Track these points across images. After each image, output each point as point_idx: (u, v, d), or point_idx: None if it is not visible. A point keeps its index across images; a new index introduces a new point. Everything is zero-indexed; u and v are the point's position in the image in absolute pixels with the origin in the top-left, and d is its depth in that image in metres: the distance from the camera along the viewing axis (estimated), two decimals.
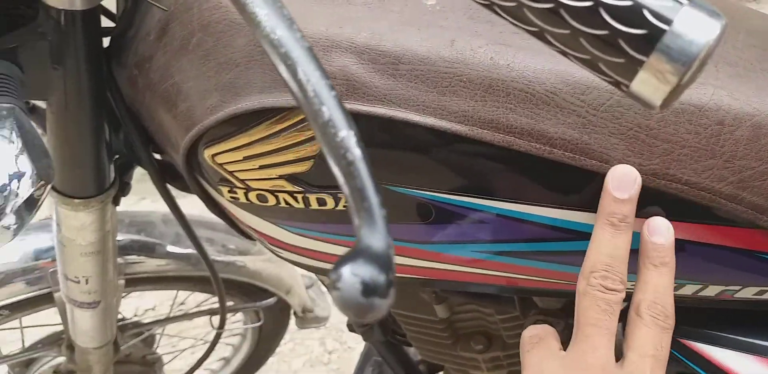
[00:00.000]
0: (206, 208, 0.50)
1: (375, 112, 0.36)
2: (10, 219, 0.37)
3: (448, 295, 0.52)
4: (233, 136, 0.39)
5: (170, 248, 0.73)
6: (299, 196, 0.40)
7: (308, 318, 0.93)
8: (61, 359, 0.78)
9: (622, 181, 0.34)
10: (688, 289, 0.40)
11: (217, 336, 0.80)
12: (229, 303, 0.88)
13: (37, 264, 0.67)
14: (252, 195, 0.41)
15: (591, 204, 0.36)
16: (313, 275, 1.29)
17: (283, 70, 0.20)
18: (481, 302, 0.52)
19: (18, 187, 0.37)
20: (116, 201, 0.56)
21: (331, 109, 0.19)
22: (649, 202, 0.35)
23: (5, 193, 0.37)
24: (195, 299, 0.95)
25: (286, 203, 0.40)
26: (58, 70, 0.46)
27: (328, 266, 0.46)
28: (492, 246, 0.39)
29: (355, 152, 0.18)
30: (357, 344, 1.25)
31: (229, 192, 0.41)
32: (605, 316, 0.34)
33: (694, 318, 0.43)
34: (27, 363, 0.80)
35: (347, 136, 0.19)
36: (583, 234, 0.37)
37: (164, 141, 0.46)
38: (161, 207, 0.59)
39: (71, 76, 0.46)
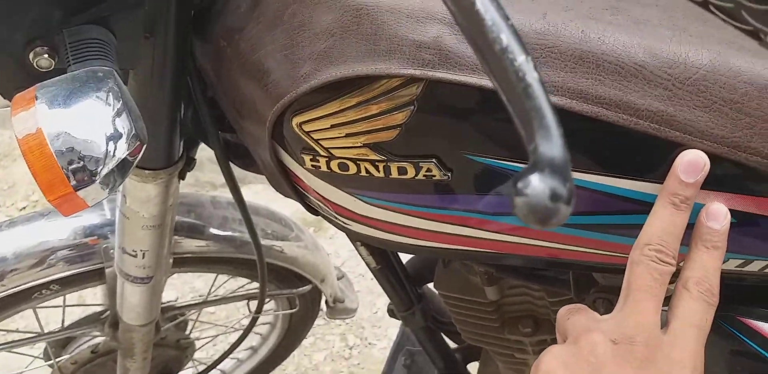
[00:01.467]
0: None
1: (466, 81, 0.37)
2: (104, 180, 0.38)
3: (503, 275, 0.53)
4: (323, 103, 0.40)
5: (216, 230, 0.74)
6: (381, 165, 0.41)
7: (338, 309, 0.94)
8: (99, 340, 0.79)
9: (692, 166, 0.35)
10: (734, 264, 0.41)
11: (253, 321, 0.81)
12: None
13: (87, 241, 0.69)
14: (334, 164, 0.42)
15: (665, 176, 0.37)
16: (342, 267, 1.29)
17: (463, 4, 0.21)
18: (533, 283, 0.53)
19: (115, 149, 0.38)
20: (182, 176, 0.58)
21: (508, 36, 0.20)
22: (727, 174, 0.37)
23: (101, 154, 0.38)
24: (225, 288, 0.96)
25: (367, 172, 0.42)
26: (149, 39, 0.47)
27: (397, 238, 0.47)
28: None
29: (534, 74, 0.20)
30: (378, 340, 1.26)
31: (311, 160, 0.43)
32: (656, 284, 0.35)
33: (752, 297, 0.45)
34: (64, 343, 0.81)
35: (526, 60, 0.20)
36: None
37: (244, 114, 0.48)
38: None
39: (160, 45, 0.48)
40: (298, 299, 0.88)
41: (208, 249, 0.74)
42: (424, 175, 0.40)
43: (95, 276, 0.68)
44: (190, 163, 0.58)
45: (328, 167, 0.43)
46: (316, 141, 0.42)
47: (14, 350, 0.77)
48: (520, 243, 0.43)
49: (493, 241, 0.44)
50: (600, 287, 0.48)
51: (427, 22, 0.38)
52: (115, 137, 0.38)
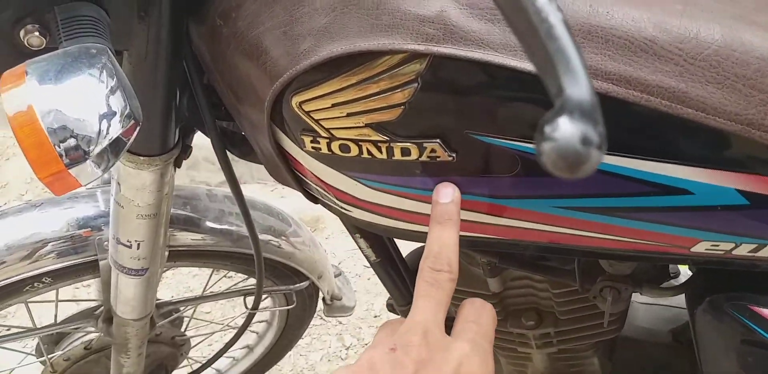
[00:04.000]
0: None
1: (471, 57, 0.36)
2: (96, 159, 0.37)
3: (506, 266, 0.52)
4: (324, 81, 0.39)
5: (213, 223, 0.73)
6: (383, 146, 0.40)
7: (335, 307, 0.93)
8: (92, 336, 0.78)
9: (444, 190, 0.40)
10: (746, 249, 0.40)
11: (250, 318, 0.80)
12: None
13: (80, 232, 0.67)
14: (335, 145, 0.41)
15: (680, 155, 0.36)
16: (339, 265, 1.27)
17: None
18: (537, 274, 0.52)
19: (108, 127, 0.37)
20: (178, 163, 0.56)
21: None
22: (740, 153, 0.36)
23: (94, 133, 0.37)
24: (220, 287, 0.95)
25: (369, 153, 0.41)
26: (143, 18, 0.46)
27: (399, 225, 0.46)
28: (574, 202, 0.39)
29: (558, 14, 0.19)
30: None
31: (312, 142, 0.42)
32: (432, 288, 0.37)
33: (765, 284, 0.43)
34: (57, 340, 0.79)
35: (548, 1, 0.19)
36: (672, 189, 0.37)
37: (241, 96, 0.47)
38: None
39: (154, 25, 0.47)
40: (296, 295, 0.86)
41: (204, 243, 0.73)
42: (428, 156, 0.39)
43: (89, 269, 0.67)
44: (186, 151, 0.56)
45: (329, 149, 0.41)
46: (317, 121, 0.41)
47: (5, 346, 0.76)
48: (527, 228, 0.42)
49: (498, 226, 0.42)
50: (607, 275, 0.47)
51: None
52: (108, 115, 0.37)
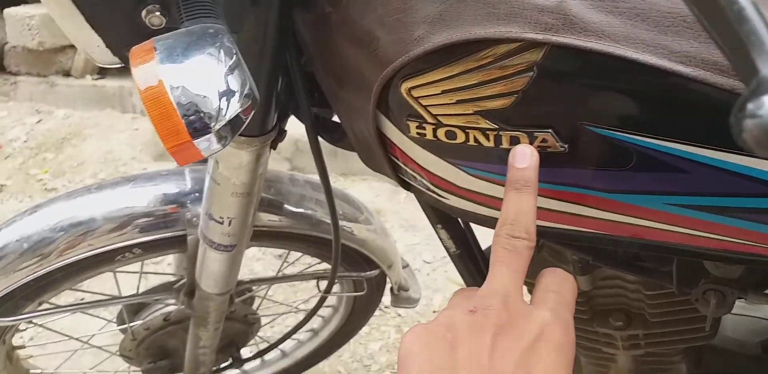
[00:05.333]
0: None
1: (590, 47, 0.35)
2: (218, 135, 0.38)
3: (599, 264, 0.51)
4: (435, 68, 0.39)
5: (293, 207, 0.75)
6: (491, 134, 0.40)
7: (402, 297, 0.93)
8: (171, 308, 0.81)
9: (521, 155, 0.38)
10: None
11: (321, 301, 0.81)
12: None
13: (169, 208, 0.70)
14: (440, 132, 0.41)
15: None
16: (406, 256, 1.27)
17: None
18: (632, 274, 0.51)
19: (228, 105, 0.38)
20: (273, 146, 0.58)
21: None
22: None
23: (215, 110, 0.38)
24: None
25: (475, 141, 0.40)
26: (255, 3, 0.48)
27: (498, 213, 0.45)
28: (688, 199, 0.38)
29: None
30: None
31: (417, 128, 0.42)
32: (509, 254, 0.36)
33: None
34: (137, 309, 0.83)
35: None
36: None
37: (345, 83, 0.47)
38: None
39: (264, 10, 0.48)
40: (366, 283, 0.87)
41: (284, 225, 0.74)
42: (539, 146, 0.39)
43: (176, 244, 0.69)
44: (281, 134, 0.58)
45: (434, 135, 0.42)
46: (425, 107, 0.41)
47: (90, 311, 0.80)
48: (634, 224, 0.41)
49: (603, 221, 0.42)
50: (711, 278, 0.45)
51: None
52: (228, 94, 0.38)
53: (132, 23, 0.46)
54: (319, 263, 0.88)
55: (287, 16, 0.50)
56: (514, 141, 0.39)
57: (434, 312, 1.31)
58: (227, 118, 0.38)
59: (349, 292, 0.90)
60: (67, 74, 2.57)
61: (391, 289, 0.92)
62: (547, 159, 0.39)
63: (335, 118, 0.61)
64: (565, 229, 0.43)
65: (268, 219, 0.73)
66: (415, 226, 1.63)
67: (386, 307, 1.32)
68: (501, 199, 0.43)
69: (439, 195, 0.47)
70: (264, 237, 0.75)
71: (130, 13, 0.45)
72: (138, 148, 2.13)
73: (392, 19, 0.41)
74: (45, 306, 0.72)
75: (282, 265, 0.87)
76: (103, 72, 2.56)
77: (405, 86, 0.41)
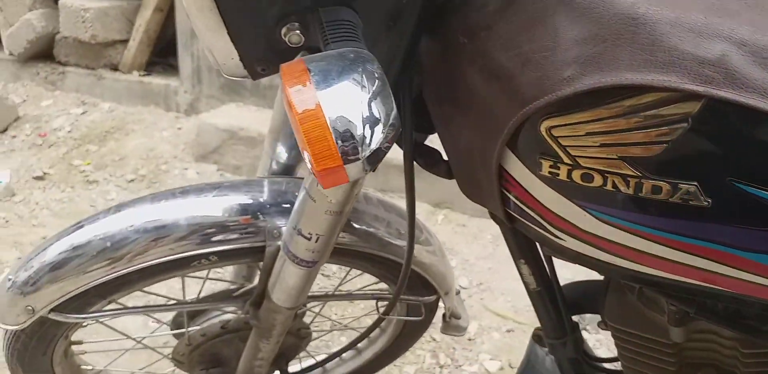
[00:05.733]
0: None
1: (752, 105, 0.35)
2: (364, 163, 0.38)
3: (701, 317, 0.50)
4: (583, 110, 0.39)
5: (366, 226, 0.74)
6: (632, 181, 0.39)
7: (452, 325, 0.92)
8: (229, 316, 0.81)
9: None
10: None
11: (378, 322, 0.81)
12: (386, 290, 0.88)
13: (247, 218, 0.70)
14: (576, 174, 0.41)
15: None
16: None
17: None
18: (734, 331, 0.50)
19: (374, 133, 0.38)
20: (374, 168, 0.58)
21: None
22: None
23: (365, 138, 0.38)
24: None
25: (613, 186, 0.40)
26: (390, 28, 0.48)
27: (621, 262, 0.45)
28: None
29: None
30: (469, 364, 1.23)
31: (551, 167, 0.42)
32: None
33: None
34: (193, 315, 0.83)
35: None
36: None
37: (469, 112, 0.47)
38: None
39: (397, 35, 0.48)
40: (423, 308, 0.86)
41: (355, 243, 0.74)
42: (681, 198, 0.38)
43: (252, 253, 0.69)
44: (380, 156, 0.58)
45: (569, 176, 0.41)
46: (564, 147, 0.41)
47: (152, 314, 0.80)
48: (762, 284, 0.40)
49: (729, 278, 0.41)
50: None
51: (711, 38, 0.36)
52: (376, 120, 0.39)
53: (270, 39, 0.47)
54: (376, 283, 0.88)
55: (416, 41, 0.50)
56: (656, 190, 0.39)
57: (469, 340, 1.30)
58: (376, 143, 0.38)
59: (401, 315, 0.90)
60: (114, 68, 2.61)
61: (444, 316, 0.91)
62: (688, 212, 0.39)
63: (426, 141, 0.62)
64: (690, 283, 0.43)
65: (340, 236, 0.72)
66: (452, 249, 1.62)
67: None
68: (626, 246, 0.43)
69: (554, 236, 0.46)
70: (332, 253, 0.75)
71: (271, 29, 0.46)
72: (180, 147, 2.15)
73: (539, 56, 0.41)
74: (112, 305, 0.72)
75: (340, 283, 0.87)
76: (149, 69, 2.60)
77: (546, 125, 0.41)
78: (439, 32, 0.50)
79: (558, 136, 0.41)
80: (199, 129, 2.09)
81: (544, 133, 0.41)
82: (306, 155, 0.38)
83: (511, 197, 0.48)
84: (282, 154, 0.78)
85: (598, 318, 0.66)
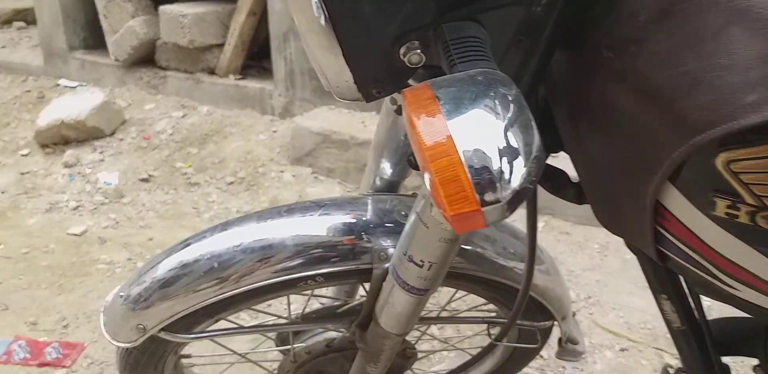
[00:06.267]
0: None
1: None
2: (505, 206, 0.32)
3: None
4: None
5: (480, 250, 0.69)
6: None
7: (569, 350, 0.86)
8: (334, 335, 0.79)
9: None
10: None
11: (489, 348, 0.76)
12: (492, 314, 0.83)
13: (353, 239, 0.67)
14: (761, 216, 0.34)
15: None
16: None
17: None
18: None
19: (511, 170, 0.33)
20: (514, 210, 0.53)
21: None
22: None
23: (494, 174, 0.33)
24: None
25: None
26: (520, 42, 0.43)
27: None
28: None
29: None
30: None
31: (729, 207, 0.35)
32: None
33: None
34: (297, 332, 0.81)
35: None
36: None
37: (611, 135, 0.41)
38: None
39: (528, 51, 0.43)
40: (539, 334, 0.80)
41: (467, 267, 0.69)
42: None
43: (358, 275, 0.67)
44: None
45: (752, 219, 0.34)
46: (746, 185, 0.34)
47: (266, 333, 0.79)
48: None
49: None
50: None
51: None
52: (522, 154, 0.33)
53: (387, 60, 0.42)
54: (485, 304, 0.82)
55: (549, 56, 0.44)
56: None
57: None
58: (518, 184, 0.33)
59: (513, 341, 0.84)
60: (211, 72, 2.70)
61: (559, 340, 0.84)
62: None
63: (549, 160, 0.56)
64: None
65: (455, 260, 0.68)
66: (555, 259, 1.53)
67: None
68: None
69: (725, 283, 0.39)
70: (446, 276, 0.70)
71: (388, 49, 0.42)
72: (276, 150, 2.19)
73: (711, 75, 0.34)
74: (220, 323, 0.72)
75: (446, 304, 0.82)
76: (244, 72, 2.67)
77: (724, 158, 0.34)
78: (576, 44, 0.44)
79: (739, 172, 0.34)
80: (293, 132, 2.12)
81: (720, 168, 0.34)
82: (429, 183, 0.33)
83: (668, 236, 0.41)
84: (386, 170, 0.74)
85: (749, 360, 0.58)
